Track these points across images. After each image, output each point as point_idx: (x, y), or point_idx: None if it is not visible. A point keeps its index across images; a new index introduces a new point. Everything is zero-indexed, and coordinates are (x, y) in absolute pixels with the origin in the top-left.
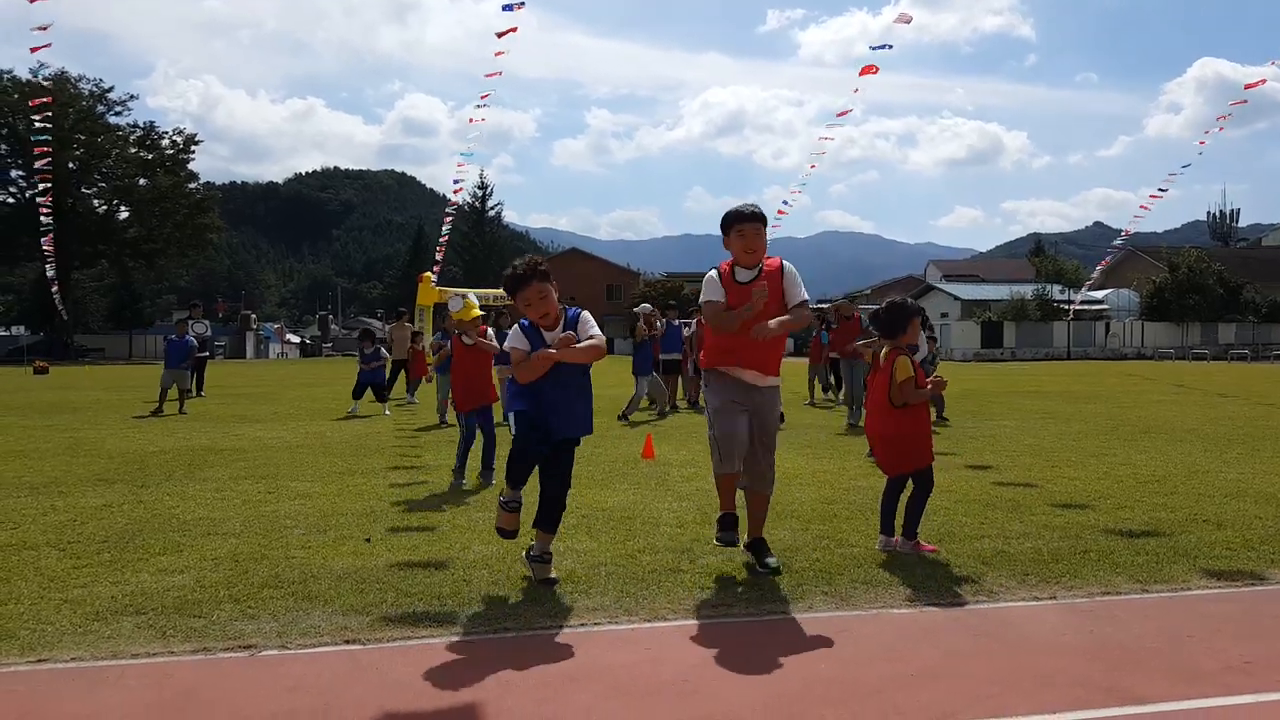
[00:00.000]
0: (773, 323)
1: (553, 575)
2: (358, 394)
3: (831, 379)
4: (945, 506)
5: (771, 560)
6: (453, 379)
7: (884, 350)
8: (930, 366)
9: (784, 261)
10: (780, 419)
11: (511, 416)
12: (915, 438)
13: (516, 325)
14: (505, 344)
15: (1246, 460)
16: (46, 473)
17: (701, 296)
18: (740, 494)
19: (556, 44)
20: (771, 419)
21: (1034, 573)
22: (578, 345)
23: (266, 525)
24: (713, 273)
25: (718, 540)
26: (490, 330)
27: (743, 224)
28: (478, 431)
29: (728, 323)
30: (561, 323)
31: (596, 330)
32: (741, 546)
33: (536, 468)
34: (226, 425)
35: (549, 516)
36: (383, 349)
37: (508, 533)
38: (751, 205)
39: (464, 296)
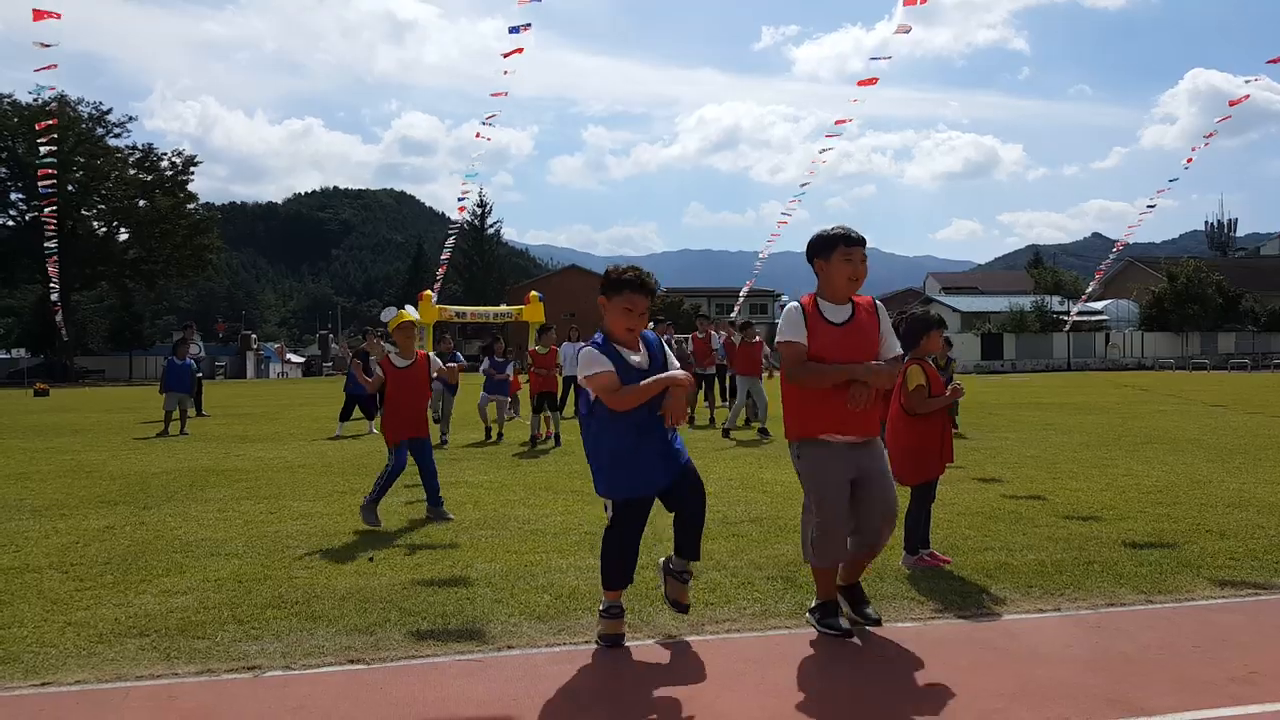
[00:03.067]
0: (872, 386)
1: (685, 601)
2: (345, 415)
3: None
4: (948, 519)
5: (870, 610)
6: (385, 406)
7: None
8: (944, 373)
9: (876, 301)
10: (764, 433)
11: (610, 505)
12: (927, 449)
13: (587, 348)
14: (585, 369)
15: (1249, 470)
16: (48, 495)
17: (779, 335)
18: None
19: (551, 62)
20: (886, 478)
21: (1038, 584)
22: (682, 381)
23: (269, 545)
24: (794, 306)
25: (820, 627)
26: (432, 355)
27: (850, 247)
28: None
29: (815, 377)
30: (643, 344)
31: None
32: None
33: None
34: (228, 446)
35: (691, 538)
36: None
37: (614, 638)
38: (847, 228)
39: (401, 309)
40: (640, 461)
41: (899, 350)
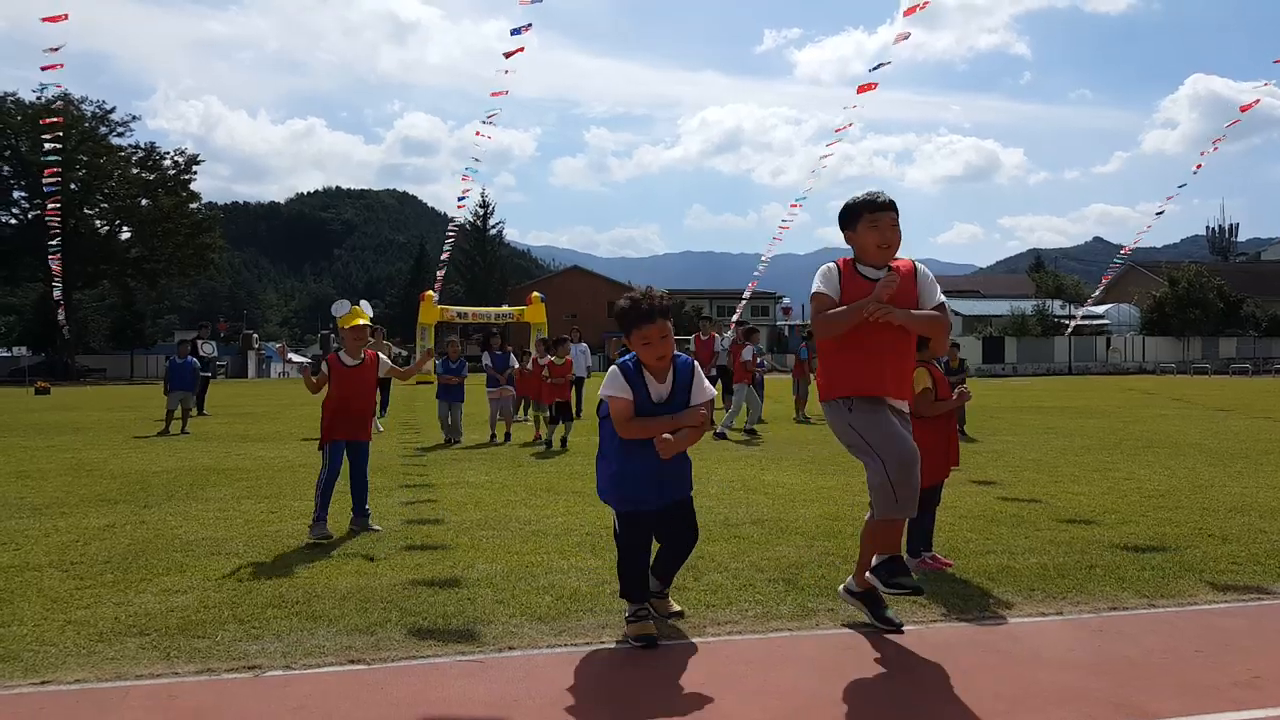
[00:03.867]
0: (900, 313)
1: (675, 608)
2: None
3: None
4: (950, 522)
5: (891, 614)
6: (326, 404)
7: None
8: (955, 375)
9: (917, 263)
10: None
11: (618, 520)
12: (933, 452)
13: (615, 367)
14: (607, 388)
15: (1250, 474)
16: (49, 493)
17: (814, 287)
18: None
19: (553, 63)
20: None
21: (1040, 588)
22: (687, 428)
23: (270, 545)
24: (830, 265)
25: (894, 588)
26: (383, 356)
27: (875, 213)
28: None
29: (839, 318)
30: (671, 372)
31: (708, 387)
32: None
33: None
34: (229, 445)
35: (673, 568)
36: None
37: (647, 639)
38: (879, 192)
39: (356, 304)
40: (638, 478)
41: (940, 298)
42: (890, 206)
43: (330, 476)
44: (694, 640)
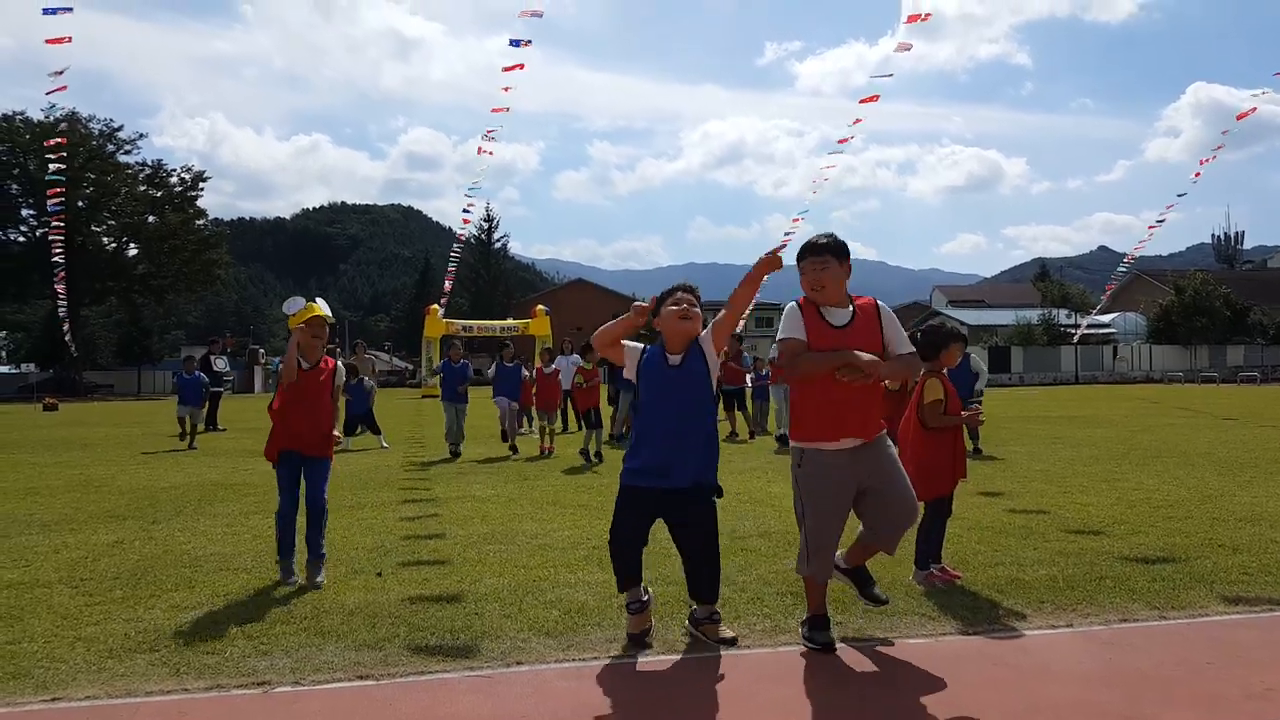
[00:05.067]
0: (874, 361)
1: (729, 634)
2: (350, 429)
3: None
4: (958, 534)
5: (877, 591)
6: (282, 413)
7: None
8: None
9: (879, 302)
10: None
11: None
12: (938, 464)
13: (791, 305)
14: (782, 333)
15: (1260, 484)
16: (57, 510)
17: (779, 334)
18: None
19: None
20: (900, 479)
21: (1049, 600)
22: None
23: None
24: (792, 306)
25: (810, 643)
26: (340, 365)
27: (803, 260)
28: (300, 494)
29: (810, 364)
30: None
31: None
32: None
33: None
34: (236, 460)
35: (704, 584)
36: (365, 380)
37: (634, 637)
38: (823, 236)
39: (312, 301)
40: (644, 452)
41: (909, 347)
42: (816, 249)
43: (288, 509)
44: (703, 654)
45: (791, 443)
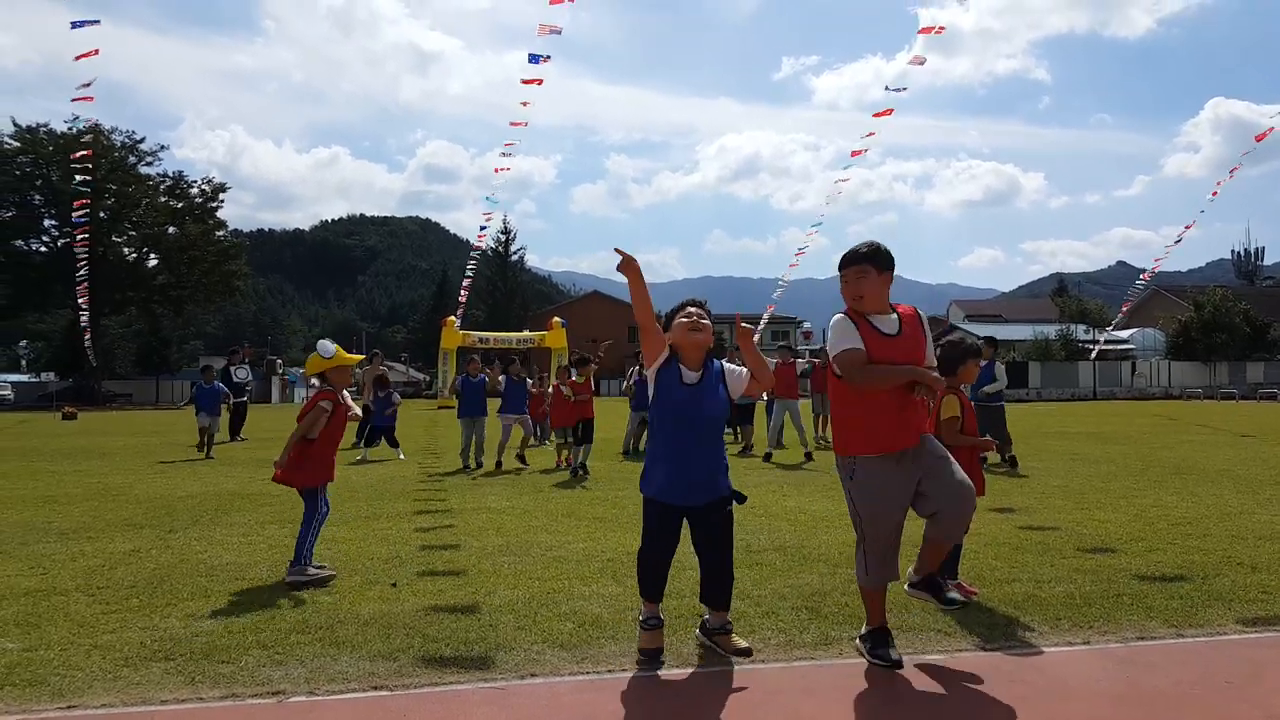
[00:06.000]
0: (939, 379)
1: (743, 645)
2: (371, 440)
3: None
4: (974, 550)
5: (954, 595)
6: (325, 443)
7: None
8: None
9: (919, 311)
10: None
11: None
12: None
13: (840, 315)
14: (839, 345)
15: (1279, 502)
16: (75, 518)
17: (834, 346)
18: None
19: (570, 91)
20: (945, 460)
21: (1066, 617)
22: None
23: None
24: (841, 317)
25: (876, 659)
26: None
27: (844, 269)
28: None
29: (880, 378)
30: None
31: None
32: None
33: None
34: (253, 470)
35: (718, 589)
36: (395, 394)
37: (647, 654)
38: (865, 244)
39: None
40: (663, 469)
41: (934, 360)
42: (855, 259)
43: (320, 519)
44: (716, 668)
45: (840, 456)
